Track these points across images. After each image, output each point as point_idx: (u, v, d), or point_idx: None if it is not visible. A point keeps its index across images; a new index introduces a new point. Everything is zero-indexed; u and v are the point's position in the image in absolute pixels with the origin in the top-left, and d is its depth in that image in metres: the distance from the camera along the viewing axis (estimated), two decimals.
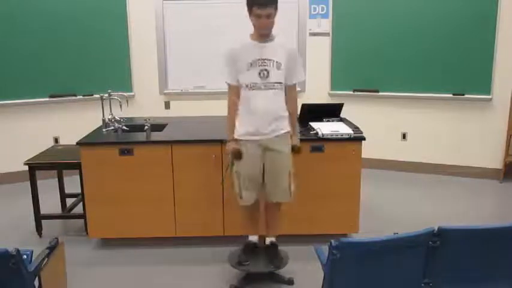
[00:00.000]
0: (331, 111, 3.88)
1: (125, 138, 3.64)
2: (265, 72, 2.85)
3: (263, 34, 2.86)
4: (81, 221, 3.70)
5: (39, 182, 3.74)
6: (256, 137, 2.91)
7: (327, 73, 5.47)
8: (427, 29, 5.05)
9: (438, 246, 1.99)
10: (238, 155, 2.92)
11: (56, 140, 5.28)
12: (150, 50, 5.45)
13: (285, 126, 2.96)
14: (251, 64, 2.86)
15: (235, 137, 2.94)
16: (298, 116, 3.04)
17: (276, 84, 2.88)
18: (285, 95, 2.97)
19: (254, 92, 2.87)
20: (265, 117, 2.88)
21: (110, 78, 5.24)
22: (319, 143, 3.41)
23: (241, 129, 2.93)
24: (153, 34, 5.42)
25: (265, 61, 2.85)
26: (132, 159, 3.42)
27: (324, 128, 3.49)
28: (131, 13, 5.34)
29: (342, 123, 3.73)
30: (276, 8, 2.80)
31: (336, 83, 5.48)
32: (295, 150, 3.02)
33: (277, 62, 2.86)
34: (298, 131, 3.32)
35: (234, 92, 2.96)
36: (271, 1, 2.77)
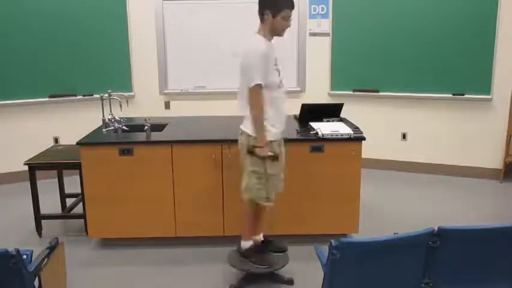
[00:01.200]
0: (331, 111, 3.88)
1: (125, 138, 3.64)
2: (279, 72, 2.91)
3: (282, 35, 2.90)
4: (81, 221, 3.70)
5: (39, 182, 3.74)
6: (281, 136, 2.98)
7: (327, 73, 5.47)
8: (427, 29, 5.05)
9: (438, 246, 1.99)
10: (276, 157, 2.88)
11: (56, 140, 5.28)
12: (150, 50, 5.45)
13: None
14: (275, 64, 2.88)
15: (269, 139, 2.87)
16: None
17: (283, 85, 2.94)
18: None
19: (280, 91, 2.90)
20: (283, 121, 2.97)
21: (110, 78, 5.24)
22: (319, 143, 3.41)
23: (274, 130, 2.90)
24: (153, 34, 5.42)
25: (278, 60, 2.90)
26: (132, 159, 3.42)
27: (324, 128, 3.49)
28: (131, 13, 5.33)
29: (342, 123, 3.73)
30: None
31: (335, 83, 5.49)
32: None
33: (280, 62, 2.91)
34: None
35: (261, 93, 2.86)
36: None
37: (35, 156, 3.82)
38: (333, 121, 3.76)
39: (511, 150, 5.06)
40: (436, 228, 1.98)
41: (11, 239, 3.72)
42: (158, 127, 3.79)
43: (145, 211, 3.50)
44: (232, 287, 3.04)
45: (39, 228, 3.78)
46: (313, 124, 3.62)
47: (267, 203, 2.95)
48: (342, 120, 3.85)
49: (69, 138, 4.01)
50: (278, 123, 2.91)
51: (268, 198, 2.93)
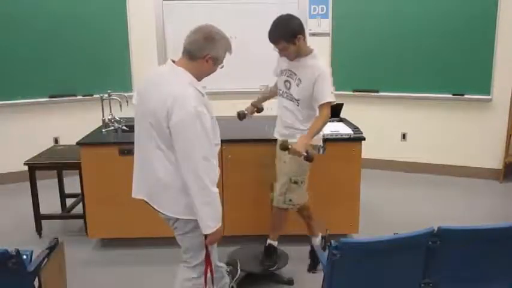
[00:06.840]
0: (331, 112, 3.87)
1: (125, 138, 3.63)
2: (288, 84, 2.97)
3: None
4: (81, 221, 3.70)
5: (39, 182, 3.74)
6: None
7: None
8: (427, 29, 5.05)
9: (438, 246, 1.99)
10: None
11: (56, 140, 5.28)
12: (150, 50, 5.45)
13: (293, 137, 2.95)
14: (282, 72, 3.02)
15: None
16: (318, 129, 2.90)
17: (292, 98, 2.97)
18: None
19: (280, 99, 3.04)
20: (280, 124, 3.08)
21: (110, 78, 5.23)
22: None
23: None
24: (153, 34, 5.42)
25: (291, 74, 2.95)
26: (132, 159, 3.39)
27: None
28: (131, 13, 5.33)
29: (341, 123, 3.73)
30: (287, 41, 2.83)
31: (335, 83, 5.35)
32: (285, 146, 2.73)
33: (298, 78, 2.93)
34: (311, 137, 2.87)
35: None
36: (274, 39, 2.84)
37: (35, 156, 3.82)
38: (332, 121, 3.76)
39: (511, 150, 5.06)
40: (436, 228, 1.98)
41: (11, 239, 3.72)
42: None
43: (145, 211, 3.47)
44: (232, 286, 3.04)
45: (39, 228, 3.78)
46: None
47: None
48: (341, 120, 3.85)
49: (69, 138, 4.01)
50: None
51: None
